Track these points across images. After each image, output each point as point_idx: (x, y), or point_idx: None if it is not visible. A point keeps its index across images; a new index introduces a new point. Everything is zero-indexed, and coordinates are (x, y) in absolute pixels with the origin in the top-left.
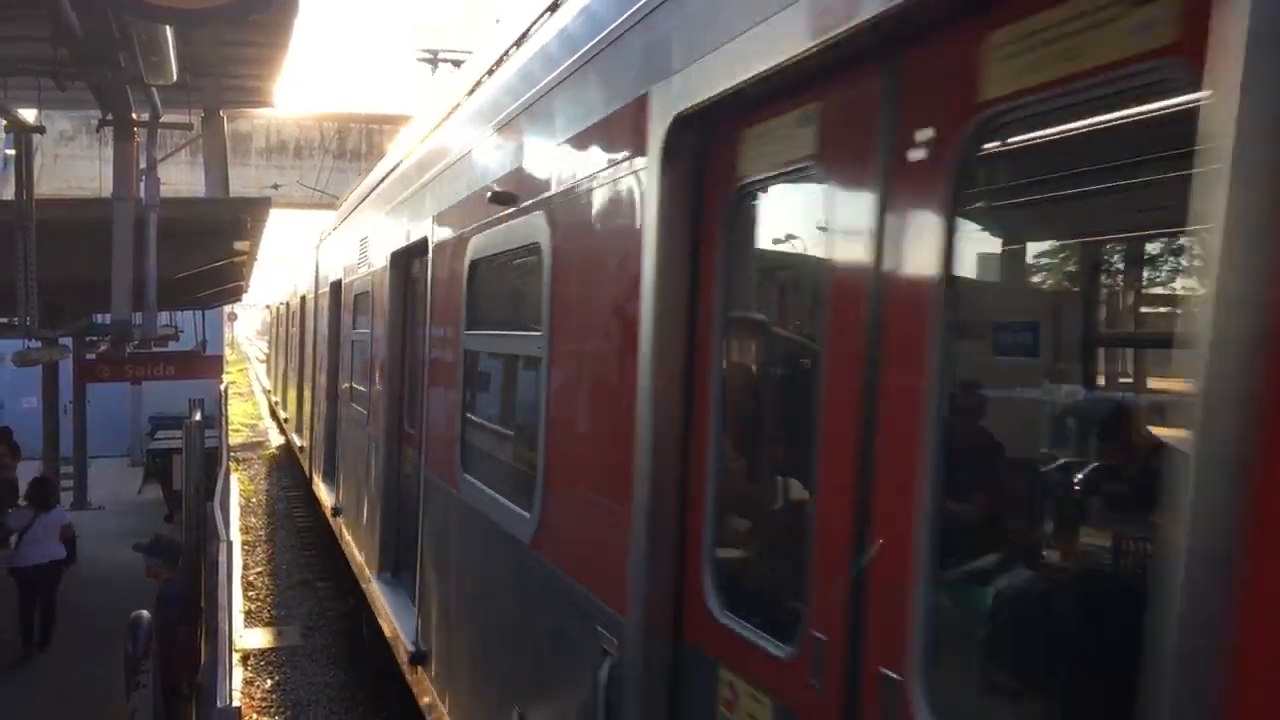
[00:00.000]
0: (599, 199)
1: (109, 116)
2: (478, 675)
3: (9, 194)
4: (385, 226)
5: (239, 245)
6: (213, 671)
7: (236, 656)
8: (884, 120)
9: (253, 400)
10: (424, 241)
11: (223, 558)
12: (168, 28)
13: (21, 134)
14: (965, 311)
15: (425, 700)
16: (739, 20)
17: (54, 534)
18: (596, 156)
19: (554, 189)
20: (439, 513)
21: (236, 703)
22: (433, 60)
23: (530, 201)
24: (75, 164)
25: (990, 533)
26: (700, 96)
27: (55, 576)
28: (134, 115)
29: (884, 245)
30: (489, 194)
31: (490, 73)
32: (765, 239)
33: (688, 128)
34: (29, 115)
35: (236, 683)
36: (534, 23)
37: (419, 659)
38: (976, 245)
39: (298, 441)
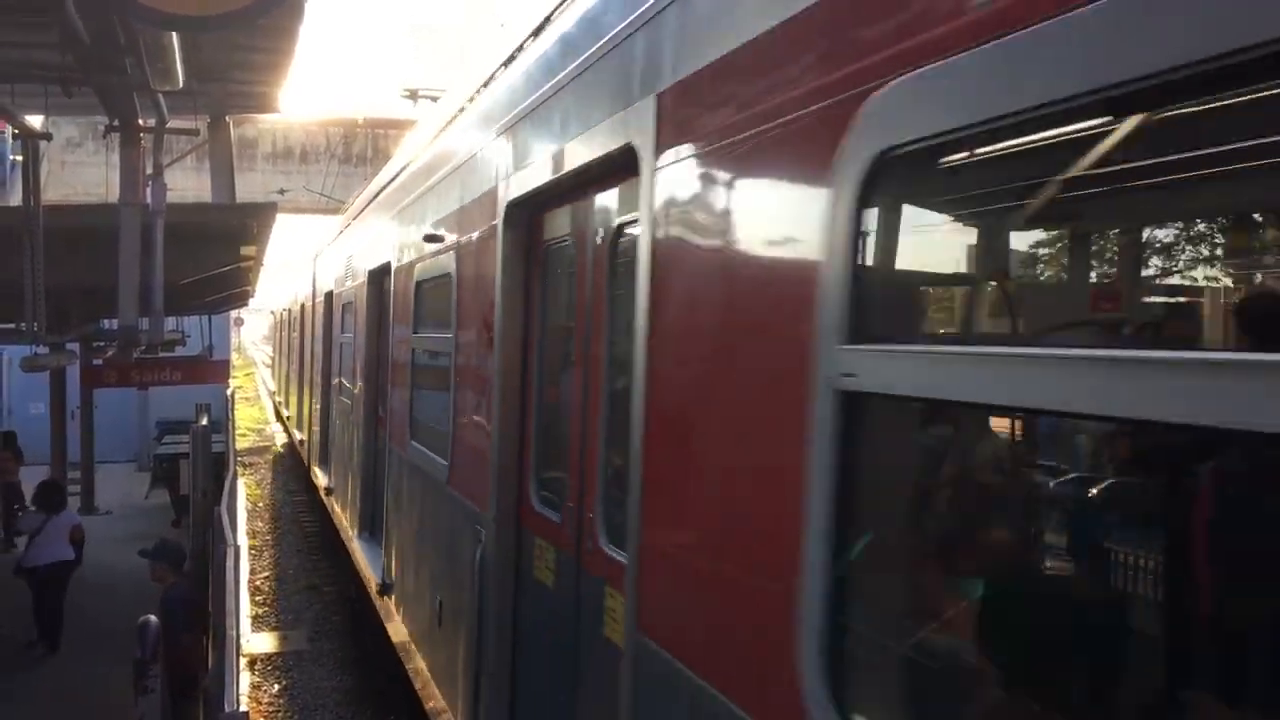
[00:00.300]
0: (479, 246)
1: (115, 122)
2: (417, 586)
3: (16, 200)
4: (364, 248)
5: (245, 250)
6: (220, 676)
7: (243, 661)
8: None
9: (259, 405)
10: (388, 264)
11: (230, 562)
12: (174, 34)
13: (28, 140)
14: (624, 310)
15: (390, 624)
16: (537, 153)
17: (64, 535)
18: (477, 219)
19: (459, 237)
20: (396, 473)
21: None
22: (413, 97)
23: (446, 244)
24: (82, 170)
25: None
26: (520, 193)
27: (64, 577)
28: (140, 121)
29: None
30: (425, 235)
31: (438, 133)
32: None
33: (519, 208)
34: (36, 121)
35: (244, 687)
36: (448, 121)
37: (385, 590)
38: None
39: (299, 436)
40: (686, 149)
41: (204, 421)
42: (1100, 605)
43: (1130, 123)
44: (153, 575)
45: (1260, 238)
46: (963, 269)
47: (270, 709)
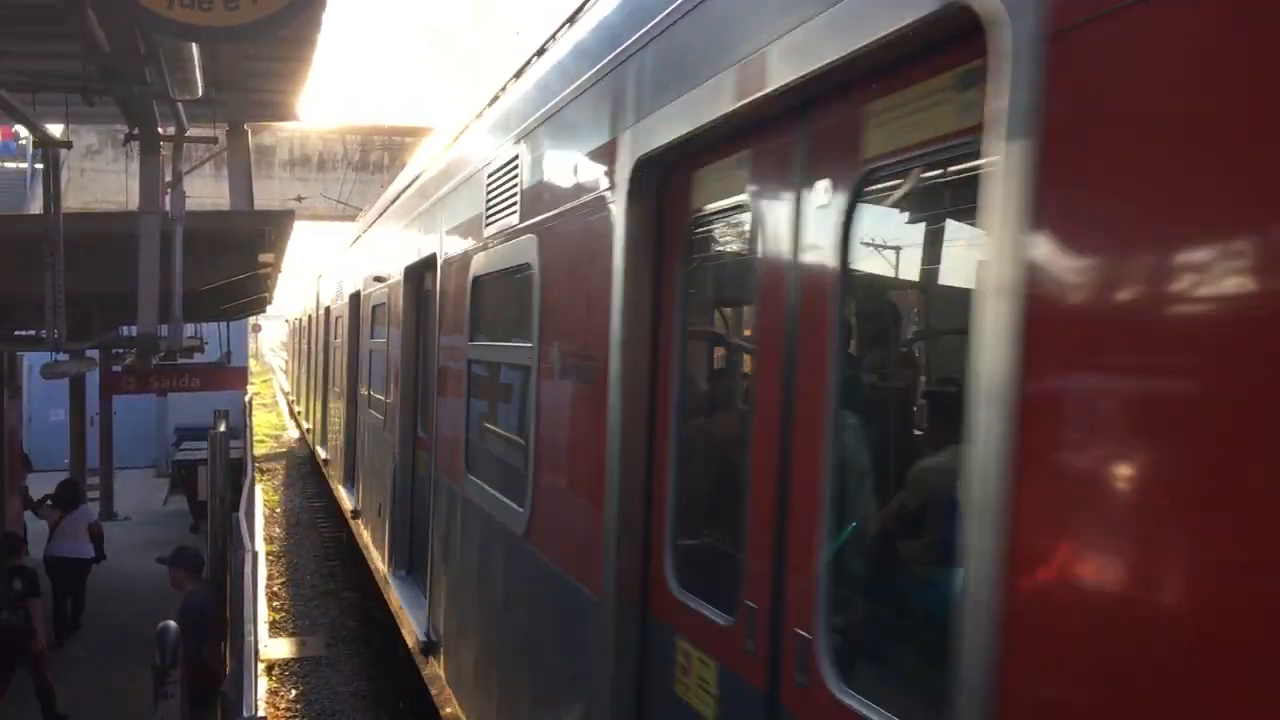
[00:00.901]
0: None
1: (135, 131)
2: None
3: (37, 208)
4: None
5: (263, 257)
6: (238, 681)
7: (261, 666)
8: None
9: (277, 410)
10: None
11: (248, 568)
12: (193, 44)
13: (49, 149)
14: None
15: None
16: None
17: (82, 532)
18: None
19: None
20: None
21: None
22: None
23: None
24: (102, 178)
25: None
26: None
27: (83, 572)
28: (160, 129)
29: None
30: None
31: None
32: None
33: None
34: (57, 129)
35: (261, 692)
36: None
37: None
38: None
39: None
40: None
41: (222, 428)
42: None
43: None
44: (172, 582)
45: None
46: None
47: (288, 714)
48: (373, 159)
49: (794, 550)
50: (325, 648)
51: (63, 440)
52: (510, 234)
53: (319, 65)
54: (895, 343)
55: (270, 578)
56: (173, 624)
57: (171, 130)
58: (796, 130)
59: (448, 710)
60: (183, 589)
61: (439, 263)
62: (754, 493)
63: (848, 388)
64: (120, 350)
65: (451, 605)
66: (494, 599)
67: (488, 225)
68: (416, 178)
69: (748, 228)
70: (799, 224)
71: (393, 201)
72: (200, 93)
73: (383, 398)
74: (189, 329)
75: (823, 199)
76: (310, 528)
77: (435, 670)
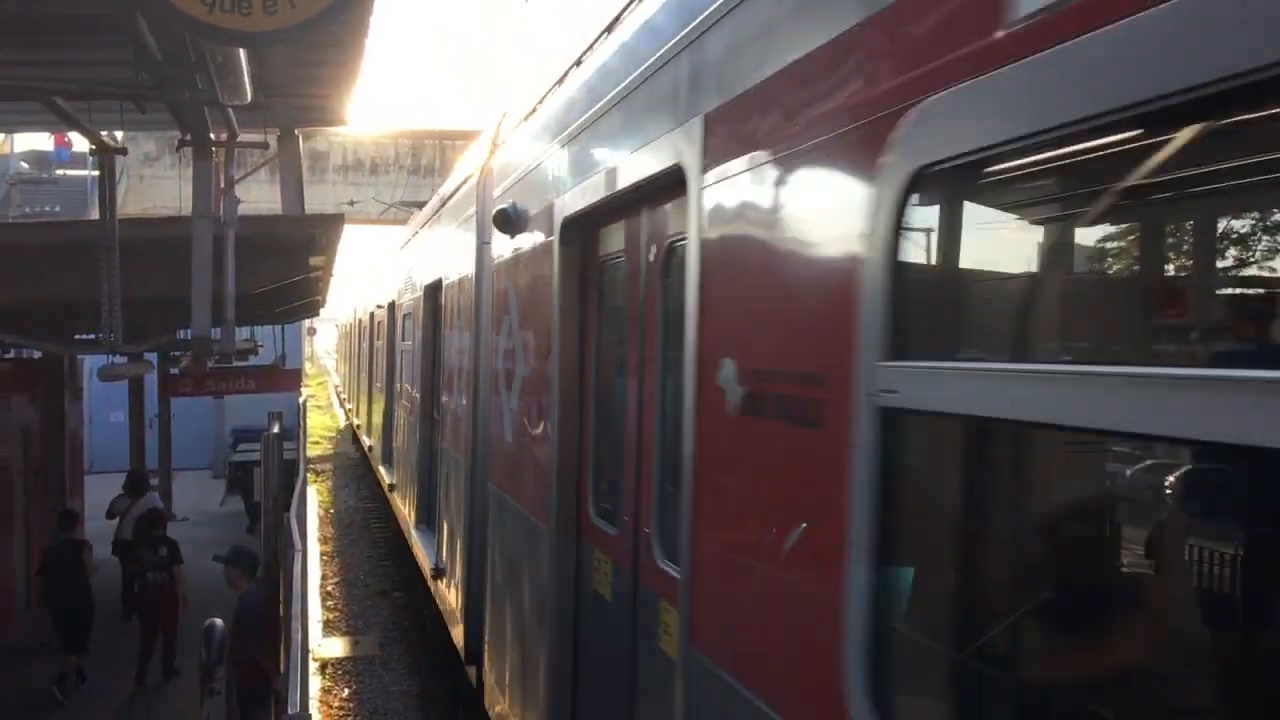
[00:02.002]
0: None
1: (188, 137)
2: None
3: (97, 214)
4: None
5: (314, 261)
6: (287, 678)
7: (314, 665)
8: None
9: (331, 412)
10: (439, 281)
11: (298, 567)
12: (241, 50)
13: (104, 155)
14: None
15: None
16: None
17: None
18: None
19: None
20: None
21: (313, 711)
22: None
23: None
24: (160, 184)
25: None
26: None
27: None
28: (212, 135)
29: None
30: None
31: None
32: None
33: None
34: (114, 137)
35: (315, 691)
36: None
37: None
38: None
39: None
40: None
41: (275, 429)
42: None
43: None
44: (228, 580)
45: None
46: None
47: (340, 713)
48: (424, 162)
49: (644, 483)
50: (378, 647)
51: (123, 442)
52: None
53: (369, 69)
54: (691, 341)
55: (324, 577)
56: (219, 622)
57: (224, 136)
58: (641, 212)
59: (497, 709)
60: (238, 588)
61: (444, 285)
62: (625, 447)
63: (667, 375)
64: (177, 353)
65: (449, 541)
66: (480, 536)
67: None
68: (435, 213)
69: (623, 269)
70: (645, 270)
71: (419, 229)
72: (250, 98)
73: (412, 389)
74: (244, 332)
75: (652, 255)
76: (363, 528)
77: (442, 589)
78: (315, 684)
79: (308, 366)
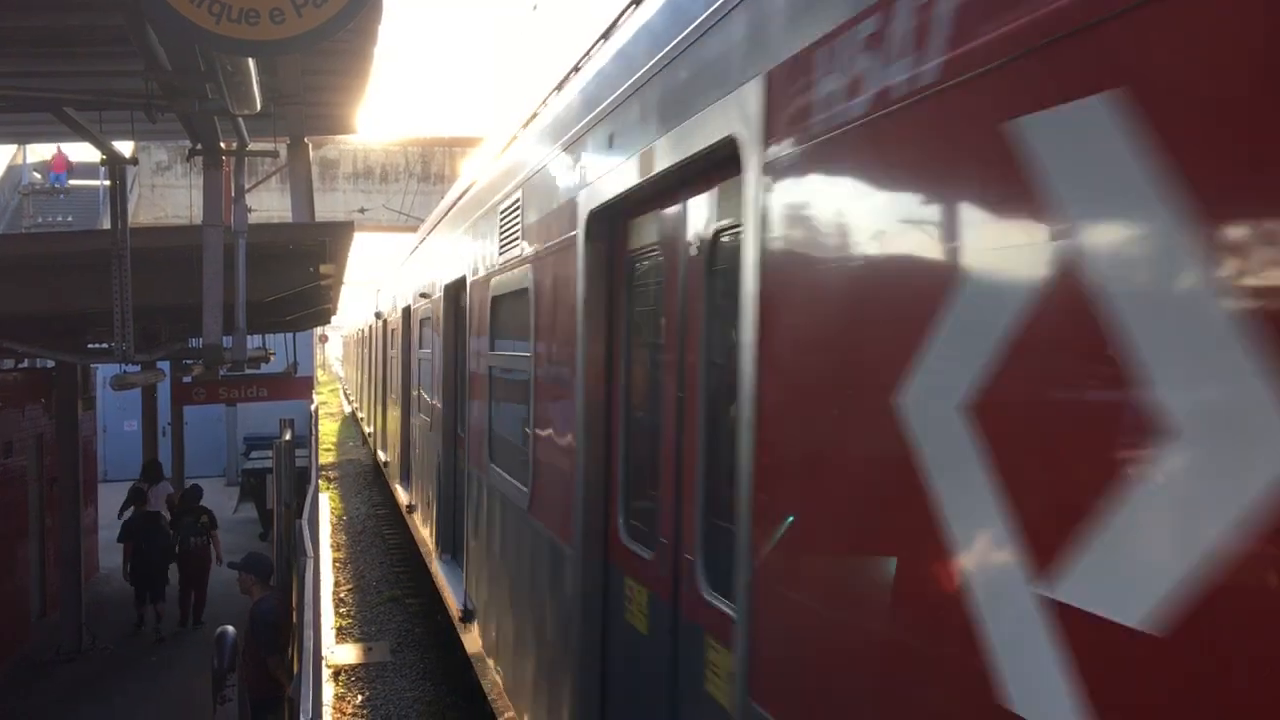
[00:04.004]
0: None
1: (199, 146)
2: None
3: (109, 224)
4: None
5: (324, 268)
6: (299, 685)
7: (328, 672)
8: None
9: (343, 419)
10: (463, 279)
11: (309, 574)
12: (249, 59)
13: (115, 165)
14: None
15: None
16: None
17: (162, 502)
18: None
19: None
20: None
21: (325, 718)
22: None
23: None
24: (171, 193)
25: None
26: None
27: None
28: (223, 144)
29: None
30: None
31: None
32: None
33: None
34: (126, 147)
35: (328, 697)
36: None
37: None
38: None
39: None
40: None
41: (287, 436)
42: None
43: None
44: (241, 587)
45: None
46: None
47: (353, 719)
48: (434, 170)
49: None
50: (391, 653)
51: (136, 450)
52: (515, 263)
53: (378, 78)
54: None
55: (337, 584)
56: (230, 629)
57: (234, 145)
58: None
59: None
60: (252, 595)
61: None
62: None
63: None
64: (189, 361)
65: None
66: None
67: (501, 254)
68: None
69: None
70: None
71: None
72: (259, 107)
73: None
74: (255, 340)
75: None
76: (376, 535)
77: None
78: (328, 691)
79: (319, 374)
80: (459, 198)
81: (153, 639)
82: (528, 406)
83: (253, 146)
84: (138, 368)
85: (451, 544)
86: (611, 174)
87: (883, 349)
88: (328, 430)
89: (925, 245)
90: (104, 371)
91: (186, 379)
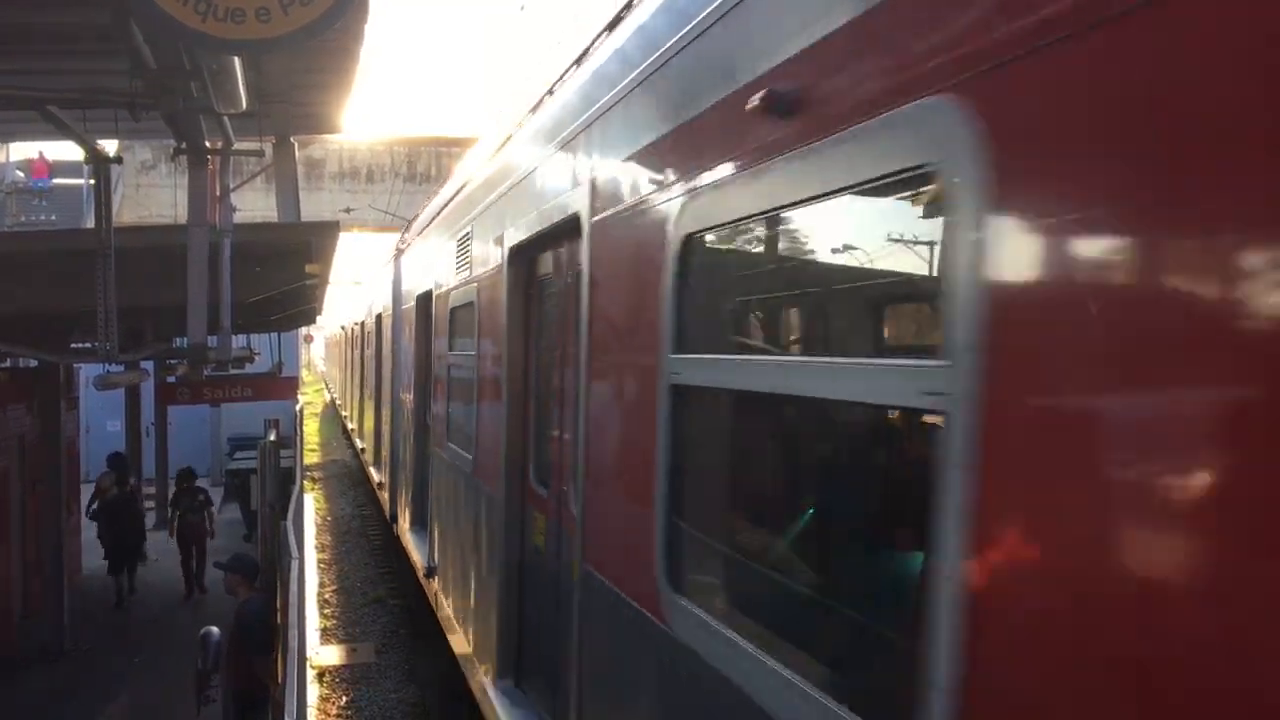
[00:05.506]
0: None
1: (184, 145)
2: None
3: (93, 223)
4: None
5: (310, 268)
6: (284, 686)
7: (312, 673)
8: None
9: (329, 418)
10: (429, 292)
11: (294, 575)
12: (236, 58)
13: (100, 165)
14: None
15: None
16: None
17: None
18: (490, 258)
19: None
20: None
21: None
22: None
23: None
24: (156, 192)
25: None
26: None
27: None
28: (207, 143)
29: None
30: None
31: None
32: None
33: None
34: (111, 145)
35: (312, 699)
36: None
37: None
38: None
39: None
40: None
41: (272, 437)
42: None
43: None
44: (227, 587)
45: None
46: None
47: None
48: (420, 170)
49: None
50: (375, 654)
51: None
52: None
53: (364, 77)
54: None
55: (321, 585)
56: (214, 629)
57: (219, 144)
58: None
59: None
60: (238, 595)
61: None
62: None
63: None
64: (174, 361)
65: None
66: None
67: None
68: (420, 232)
69: (555, 287)
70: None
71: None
72: (244, 106)
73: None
74: (241, 340)
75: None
76: (360, 535)
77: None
78: (313, 692)
79: (304, 374)
80: (427, 224)
81: (128, 617)
82: (473, 394)
83: (238, 146)
84: (122, 367)
85: (421, 518)
86: (523, 222)
87: (644, 337)
88: (313, 430)
89: (649, 281)
90: (87, 371)
91: (171, 379)
